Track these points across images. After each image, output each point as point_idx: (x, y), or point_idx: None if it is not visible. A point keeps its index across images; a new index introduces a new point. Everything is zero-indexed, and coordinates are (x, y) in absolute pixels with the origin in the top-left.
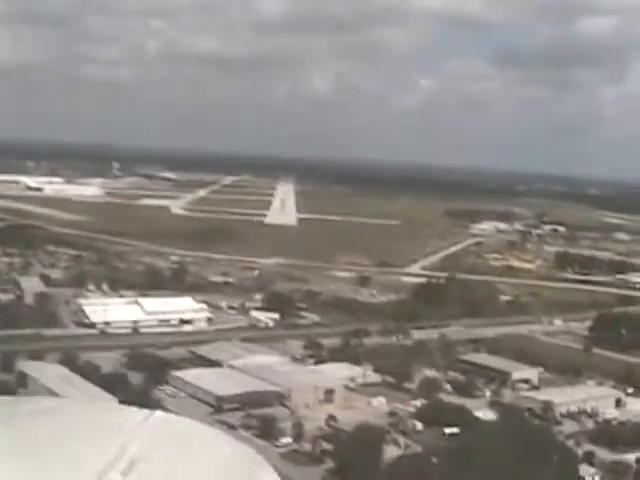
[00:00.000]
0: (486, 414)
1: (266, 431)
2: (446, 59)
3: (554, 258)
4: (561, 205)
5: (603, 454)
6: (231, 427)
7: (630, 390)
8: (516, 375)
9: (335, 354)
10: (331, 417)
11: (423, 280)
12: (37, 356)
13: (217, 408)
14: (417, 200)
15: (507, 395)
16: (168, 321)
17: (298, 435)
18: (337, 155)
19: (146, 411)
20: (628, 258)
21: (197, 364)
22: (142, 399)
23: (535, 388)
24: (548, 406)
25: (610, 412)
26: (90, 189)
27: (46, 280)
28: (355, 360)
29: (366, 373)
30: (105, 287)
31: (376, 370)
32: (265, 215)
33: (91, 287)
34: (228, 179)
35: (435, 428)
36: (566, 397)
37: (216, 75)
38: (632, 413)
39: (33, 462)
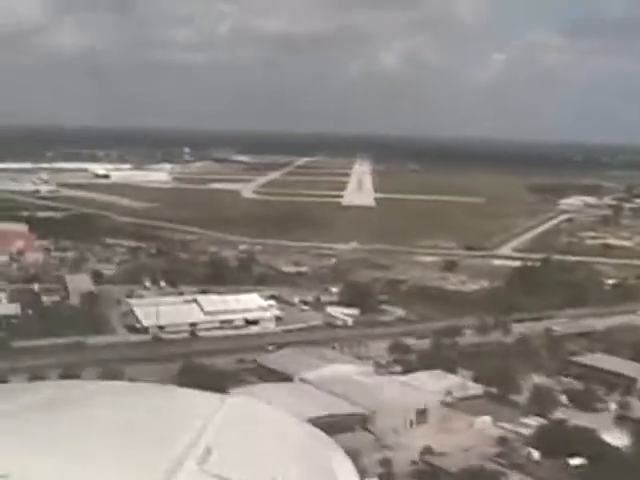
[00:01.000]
0: (615, 437)
1: None
2: (518, 31)
3: None
4: None
5: None
6: None
7: None
8: None
9: (425, 358)
10: (426, 449)
11: (516, 263)
12: (72, 372)
13: None
14: (498, 176)
15: (637, 408)
16: (231, 322)
17: (386, 476)
18: (411, 132)
19: (220, 396)
20: None
21: (262, 376)
22: None
23: None
24: None
25: None
26: (158, 175)
27: (98, 276)
28: (450, 366)
29: (464, 383)
30: (163, 283)
31: (476, 378)
32: (341, 196)
33: (147, 284)
34: (302, 160)
35: (556, 457)
36: None
37: (286, 55)
38: None
39: (104, 448)
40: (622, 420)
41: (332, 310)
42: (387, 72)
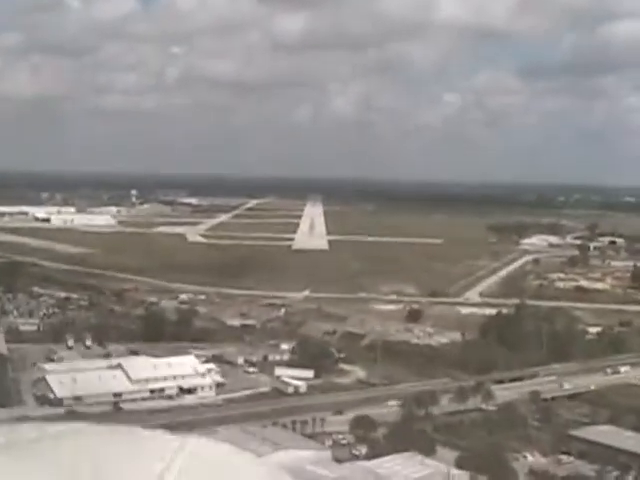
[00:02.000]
0: None
1: None
2: (469, 73)
3: (629, 275)
4: (607, 215)
5: None
6: None
7: None
8: None
9: (395, 435)
10: None
11: (486, 311)
12: None
13: None
14: (454, 216)
15: None
16: (163, 391)
17: None
18: (363, 175)
19: (180, 437)
20: None
21: None
22: None
23: None
24: None
25: None
26: (101, 218)
27: (15, 334)
28: (425, 445)
29: (446, 470)
30: (89, 342)
31: (459, 461)
32: (292, 239)
33: (70, 342)
34: (252, 202)
35: None
36: None
37: (237, 99)
38: None
39: None
40: None
41: (282, 372)
42: (339, 114)
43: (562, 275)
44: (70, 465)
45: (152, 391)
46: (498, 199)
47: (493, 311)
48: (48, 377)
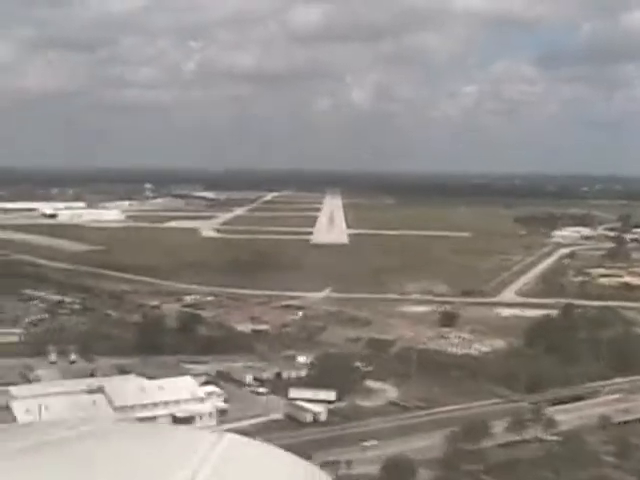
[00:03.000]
0: None
1: None
2: (489, 62)
3: None
4: (633, 205)
5: None
6: None
7: None
8: None
9: None
10: None
11: (529, 313)
12: None
13: None
14: (478, 208)
15: None
16: (154, 420)
17: None
18: (383, 167)
19: (216, 433)
20: None
21: None
22: None
23: None
24: None
25: None
26: (111, 213)
27: None
28: None
29: None
30: (74, 355)
31: None
32: (311, 233)
33: (53, 357)
34: (269, 196)
35: None
36: None
37: (255, 91)
38: None
39: None
40: None
41: (298, 394)
42: (358, 106)
43: (603, 270)
44: (106, 462)
45: (140, 420)
46: (520, 190)
47: (536, 313)
48: (14, 404)
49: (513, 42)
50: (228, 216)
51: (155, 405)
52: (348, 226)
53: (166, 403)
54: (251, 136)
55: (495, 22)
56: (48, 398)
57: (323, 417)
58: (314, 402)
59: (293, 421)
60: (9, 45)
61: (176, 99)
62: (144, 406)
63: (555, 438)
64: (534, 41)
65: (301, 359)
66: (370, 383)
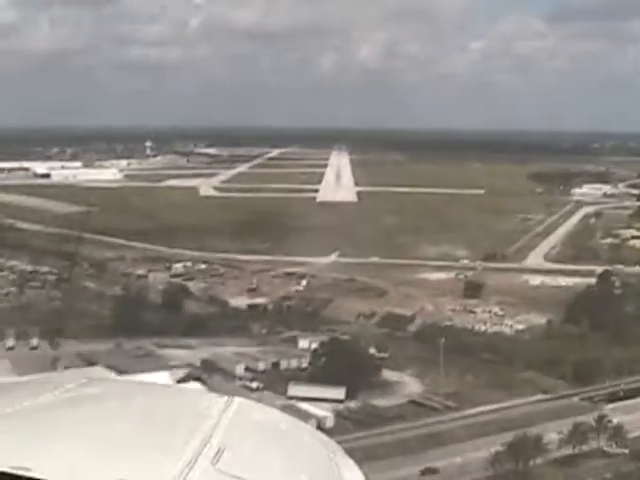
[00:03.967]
0: None
1: None
2: (497, 18)
3: None
4: None
5: None
6: None
7: None
8: None
9: None
10: None
11: (561, 281)
12: None
13: None
14: (489, 165)
15: None
16: None
17: None
18: (391, 125)
19: (226, 397)
20: None
21: None
22: None
23: None
24: None
25: None
26: (107, 172)
27: None
28: None
29: None
30: (35, 340)
31: None
32: (317, 191)
33: (10, 342)
34: (274, 152)
35: None
36: None
37: (259, 48)
38: None
39: (119, 447)
40: None
41: (298, 392)
42: (363, 63)
43: (635, 232)
44: (120, 420)
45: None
46: (531, 147)
47: (569, 281)
48: None
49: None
50: (230, 173)
51: None
52: (356, 183)
53: None
54: (257, 93)
55: None
56: None
57: (329, 423)
58: (319, 401)
59: None
60: (10, 2)
61: (181, 57)
62: None
63: (622, 450)
64: None
65: (303, 344)
66: (387, 374)
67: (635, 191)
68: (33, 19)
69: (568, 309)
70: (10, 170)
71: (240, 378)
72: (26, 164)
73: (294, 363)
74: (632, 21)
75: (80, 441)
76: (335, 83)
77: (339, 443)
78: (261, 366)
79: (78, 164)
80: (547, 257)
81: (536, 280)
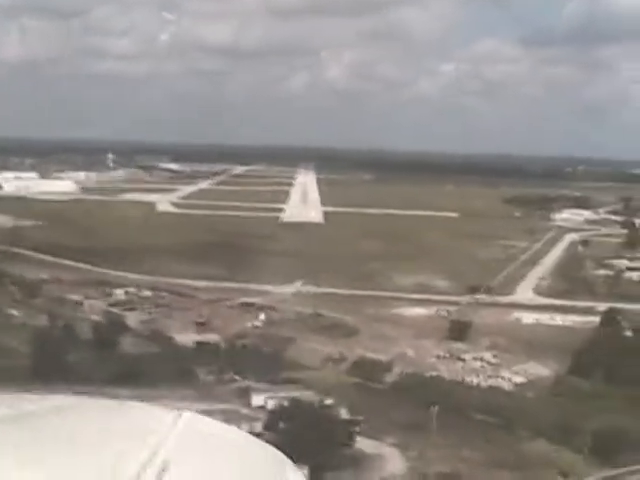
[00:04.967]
0: None
1: None
2: (468, 41)
3: None
4: (619, 187)
5: None
6: None
7: None
8: None
9: None
10: None
11: (558, 319)
12: None
13: None
14: (461, 187)
15: None
16: None
17: None
18: (360, 145)
19: (175, 412)
20: None
21: None
22: None
23: None
24: None
25: None
26: (63, 184)
27: None
28: None
29: None
30: None
31: None
32: (282, 210)
33: None
34: (239, 169)
35: None
36: None
37: (229, 66)
38: None
39: (60, 465)
40: None
41: None
42: (333, 83)
43: (627, 262)
44: (68, 437)
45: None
46: (503, 170)
47: (567, 320)
48: None
49: (496, 21)
50: (190, 189)
51: None
52: (323, 203)
53: None
54: (225, 111)
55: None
56: None
57: None
58: None
59: None
60: None
61: (149, 71)
62: None
63: None
64: (517, 21)
65: (257, 400)
66: (363, 443)
67: (615, 217)
68: (1, 27)
69: (573, 357)
70: None
71: None
72: None
73: (244, 428)
74: (605, 47)
75: (18, 459)
76: (305, 102)
77: None
78: None
79: (33, 175)
80: (537, 290)
81: (529, 318)
